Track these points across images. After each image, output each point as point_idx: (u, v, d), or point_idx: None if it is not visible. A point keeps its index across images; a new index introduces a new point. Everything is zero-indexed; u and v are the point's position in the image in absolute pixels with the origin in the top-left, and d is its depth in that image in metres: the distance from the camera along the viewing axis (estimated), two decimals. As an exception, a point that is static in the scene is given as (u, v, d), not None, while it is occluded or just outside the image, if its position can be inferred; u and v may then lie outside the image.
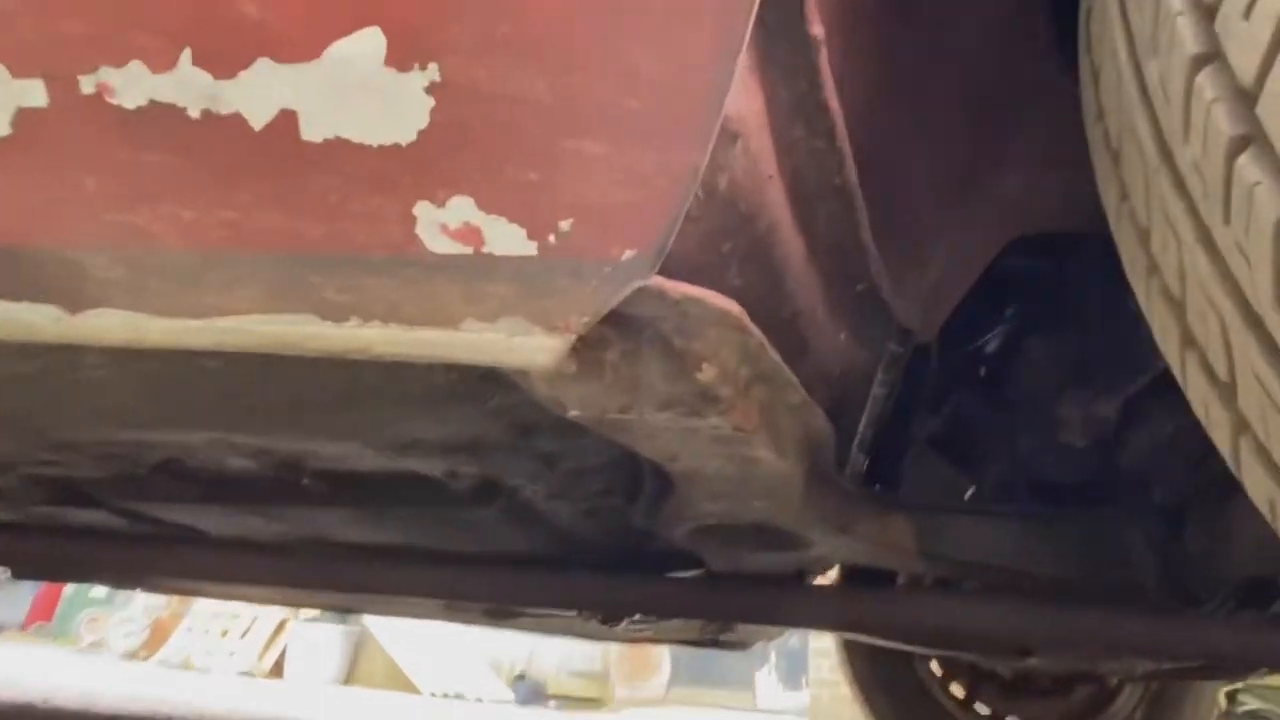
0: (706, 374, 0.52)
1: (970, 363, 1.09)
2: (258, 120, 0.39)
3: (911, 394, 1.01)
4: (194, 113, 0.40)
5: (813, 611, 1.12)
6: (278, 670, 5.11)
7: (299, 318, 0.44)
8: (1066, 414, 0.93)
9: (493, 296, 0.42)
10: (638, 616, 1.50)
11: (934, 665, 1.84)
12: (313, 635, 4.96)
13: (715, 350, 0.51)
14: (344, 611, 2.04)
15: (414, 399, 0.65)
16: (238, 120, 0.40)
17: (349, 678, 5.06)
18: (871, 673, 1.87)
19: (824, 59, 0.53)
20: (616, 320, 0.50)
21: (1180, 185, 0.34)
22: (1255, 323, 0.31)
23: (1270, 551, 0.75)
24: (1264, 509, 0.37)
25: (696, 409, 0.56)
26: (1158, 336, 0.42)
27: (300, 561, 1.23)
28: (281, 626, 5.08)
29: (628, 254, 0.39)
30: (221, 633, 5.16)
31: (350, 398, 0.64)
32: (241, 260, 0.43)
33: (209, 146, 0.41)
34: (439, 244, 0.40)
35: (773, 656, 4.94)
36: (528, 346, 0.43)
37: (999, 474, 1.01)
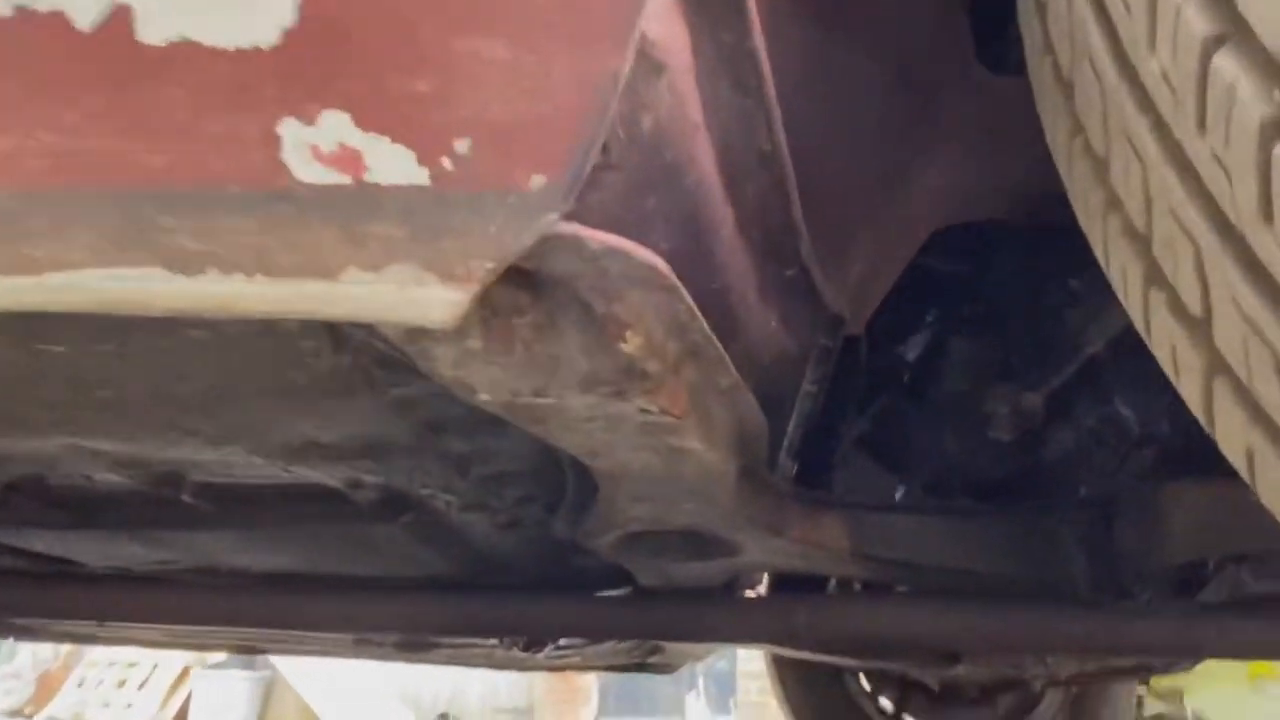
0: (631, 344, 0.46)
1: (896, 363, 1.07)
2: (84, 18, 0.32)
3: (839, 394, 0.98)
4: (4, 9, 0.32)
5: (746, 624, 1.07)
6: (181, 722, 4.75)
7: (145, 271, 0.37)
8: (993, 409, 0.91)
9: (378, 239, 0.35)
10: (562, 642, 1.42)
11: (862, 680, 1.81)
12: (218, 682, 4.64)
13: (640, 316, 0.45)
14: (243, 652, 1.88)
15: (300, 391, 0.57)
16: (58, 20, 0.32)
17: (259, 726, 4.74)
18: (801, 691, 1.83)
19: (753, 11, 0.49)
20: (527, 280, 0.44)
21: (1145, 101, 0.31)
22: (1236, 241, 0.28)
23: (1202, 536, 0.74)
24: (1240, 462, 0.34)
25: (621, 388, 0.50)
26: (1117, 283, 0.39)
27: (185, 595, 1.11)
28: (184, 675, 4.73)
29: (537, 181, 0.33)
30: (118, 683, 4.77)
31: (222, 390, 0.56)
32: (70, 199, 0.35)
33: (23, 54, 0.33)
34: (310, 172, 0.34)
35: (700, 681, 4.87)
36: (422, 300, 0.37)
37: (928, 473, 0.98)
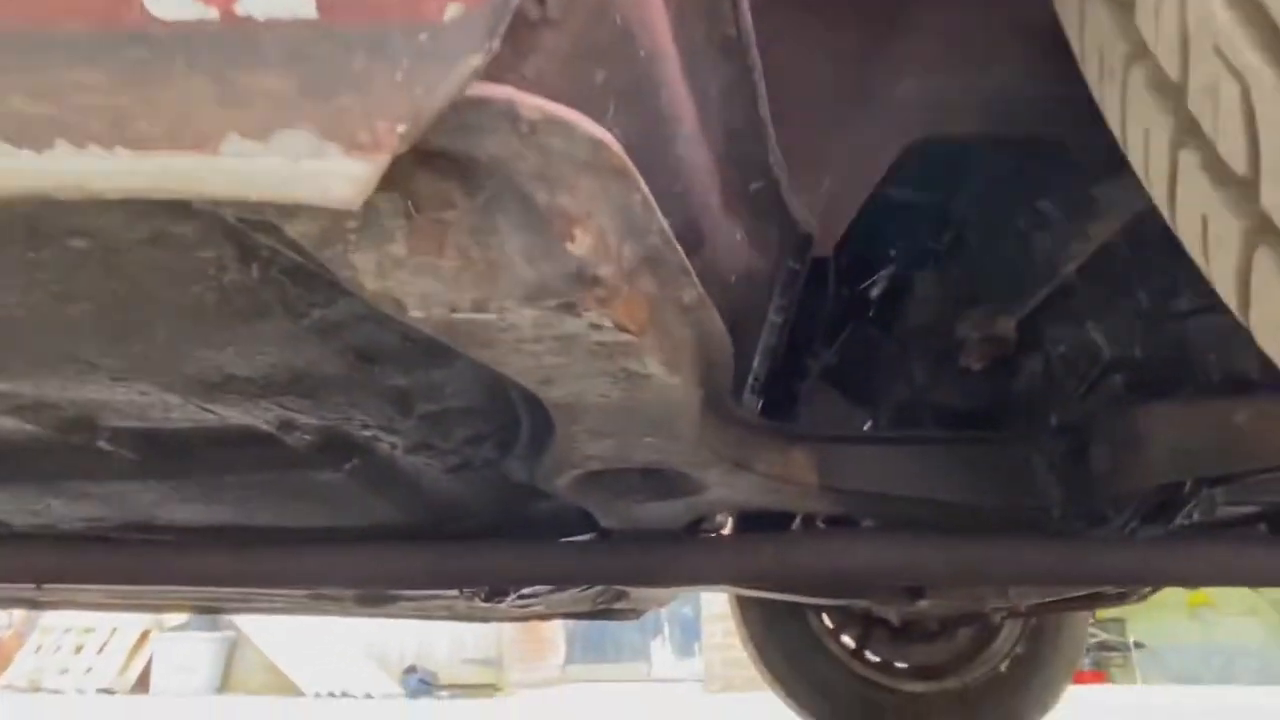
0: (580, 244, 0.40)
1: (863, 295, 1.02)
2: None
3: (806, 325, 0.93)
4: None
5: (712, 565, 1.03)
6: (143, 686, 4.67)
7: (-23, 144, 0.29)
8: (965, 335, 0.86)
9: (261, 96, 0.28)
10: (525, 591, 1.38)
11: (825, 618, 1.81)
12: (180, 645, 4.55)
13: (589, 210, 0.39)
14: (199, 612, 1.81)
15: (207, 314, 0.50)
16: None
17: (224, 686, 4.68)
18: (765, 631, 1.82)
19: None
20: (455, 167, 0.37)
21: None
22: None
23: (1179, 458, 0.71)
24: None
25: (570, 299, 0.44)
26: (1135, 151, 0.33)
27: (122, 553, 1.04)
28: (144, 638, 4.64)
29: (452, 11, 0.27)
30: (75, 649, 4.66)
31: (117, 314, 0.49)
32: None
33: None
34: (167, 4, 0.27)
35: (666, 627, 4.91)
36: (319, 175, 0.30)
37: (897, 405, 0.94)
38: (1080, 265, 0.86)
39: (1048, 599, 1.43)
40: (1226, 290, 0.30)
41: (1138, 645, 5.55)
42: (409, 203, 0.38)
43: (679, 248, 0.46)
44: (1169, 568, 0.85)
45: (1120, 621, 5.56)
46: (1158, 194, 0.32)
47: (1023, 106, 0.78)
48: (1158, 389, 0.79)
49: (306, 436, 0.76)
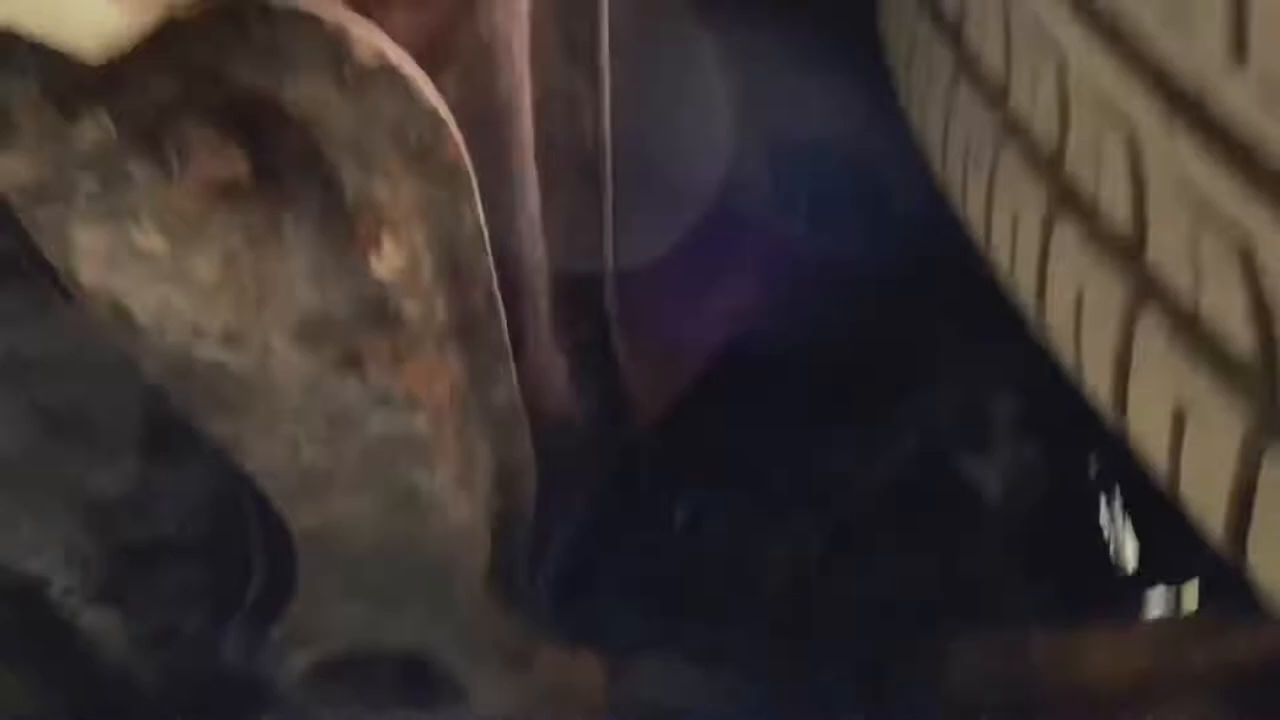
0: (387, 261, 0.32)
1: (668, 514, 0.97)
2: None
3: (607, 525, 0.86)
4: None
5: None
6: None
7: None
8: (767, 559, 0.82)
9: None
10: None
11: None
12: None
13: (408, 215, 0.32)
14: None
15: None
16: None
17: None
18: None
19: None
20: (247, 114, 0.29)
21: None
22: (1189, 107, 0.21)
23: (977, 697, 0.66)
24: (1161, 445, 0.25)
25: (356, 346, 0.35)
26: (1000, 244, 0.32)
27: None
28: None
29: None
30: None
31: None
32: None
33: None
34: None
35: None
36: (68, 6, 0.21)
37: (697, 624, 0.85)
38: (873, 499, 0.87)
39: None
40: (1101, 376, 0.27)
41: None
42: (174, 157, 0.29)
43: (503, 322, 0.39)
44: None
45: None
46: (1025, 284, 0.30)
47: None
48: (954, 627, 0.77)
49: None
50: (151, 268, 0.32)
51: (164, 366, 0.36)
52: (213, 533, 0.55)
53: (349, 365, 0.36)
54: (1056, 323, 0.29)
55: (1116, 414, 0.27)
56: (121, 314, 0.33)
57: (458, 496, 0.45)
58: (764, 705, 0.72)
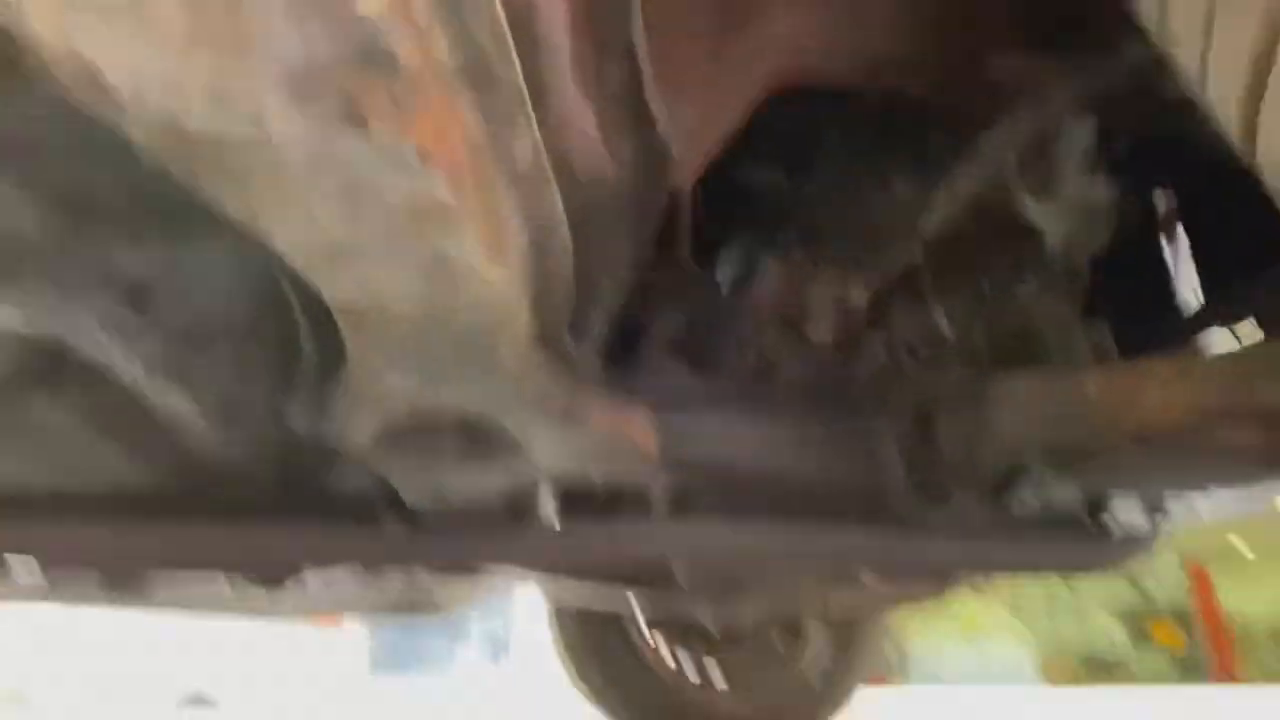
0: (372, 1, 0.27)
1: (715, 256, 0.94)
2: None
3: (654, 288, 0.84)
4: None
5: (531, 551, 0.89)
6: None
7: None
8: (816, 302, 0.80)
9: None
10: (310, 581, 1.18)
11: (642, 624, 1.72)
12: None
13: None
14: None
15: None
16: None
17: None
18: (580, 637, 1.71)
19: None
20: None
21: None
22: None
23: (1026, 434, 0.66)
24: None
25: (348, 91, 0.31)
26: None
27: None
28: None
29: None
30: None
31: None
32: None
33: None
34: None
35: (474, 631, 4.67)
36: None
37: (745, 378, 0.86)
38: (927, 245, 0.83)
39: (862, 604, 1.41)
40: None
41: (910, 654, 5.97)
42: None
43: (516, 65, 0.34)
44: (994, 557, 0.82)
45: (899, 639, 5.96)
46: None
47: (890, 61, 0.74)
48: (1002, 368, 0.76)
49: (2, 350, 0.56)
50: (108, 15, 0.28)
51: (158, 140, 0.32)
52: (257, 313, 0.55)
53: (350, 122, 0.32)
54: None
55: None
56: (91, 77, 0.29)
57: (489, 263, 0.42)
58: (807, 459, 0.74)
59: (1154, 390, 0.56)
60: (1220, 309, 0.89)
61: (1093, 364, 0.69)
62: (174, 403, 0.66)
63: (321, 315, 0.52)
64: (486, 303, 0.46)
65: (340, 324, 0.50)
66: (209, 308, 0.54)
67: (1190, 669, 6.12)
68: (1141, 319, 0.93)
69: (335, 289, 0.45)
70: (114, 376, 0.62)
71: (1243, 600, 6.78)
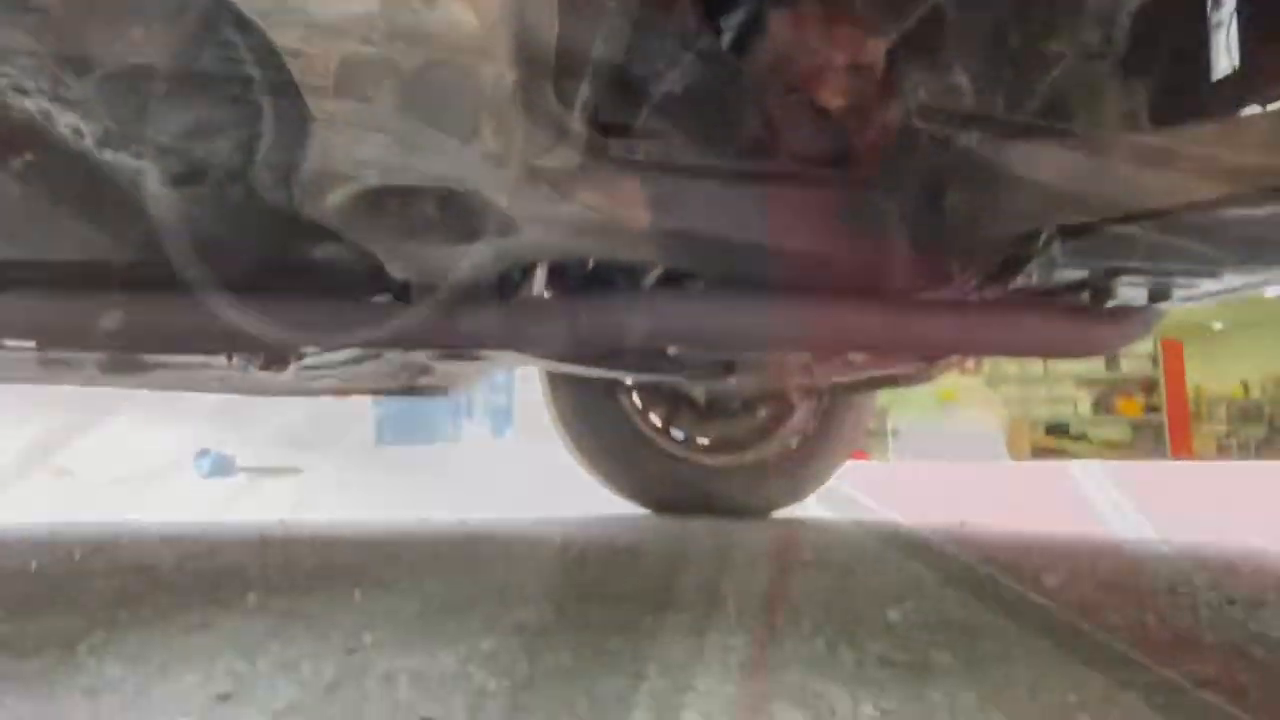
0: None
1: (715, 19, 0.84)
2: None
3: (648, 45, 0.75)
4: None
5: (519, 329, 0.88)
6: None
7: None
8: (828, 62, 0.72)
9: None
10: (311, 361, 1.18)
11: (634, 396, 1.77)
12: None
13: None
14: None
15: None
16: None
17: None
18: (575, 409, 1.76)
19: None
20: None
21: None
22: None
23: (1051, 198, 0.62)
24: None
25: None
26: None
27: None
28: None
29: None
30: None
31: None
32: None
33: None
34: None
35: (477, 408, 4.88)
36: None
37: (745, 145, 0.80)
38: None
39: (847, 378, 1.44)
40: None
41: (894, 431, 6.31)
42: None
43: None
44: (991, 337, 0.81)
45: (884, 410, 6.25)
46: None
47: None
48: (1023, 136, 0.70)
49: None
50: None
51: None
52: (204, 68, 0.48)
53: None
54: None
55: None
56: None
57: (466, 7, 0.36)
58: (807, 229, 0.70)
59: (1192, 155, 0.51)
60: (1257, 82, 0.82)
61: (1122, 132, 0.63)
62: (128, 164, 0.61)
63: (273, 70, 0.46)
64: (458, 46, 0.40)
65: (296, 77, 0.44)
66: (177, 68, 0.47)
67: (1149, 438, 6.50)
68: (1175, 90, 0.85)
69: (284, 36, 0.39)
70: (55, 137, 0.57)
71: (1206, 375, 7.08)
